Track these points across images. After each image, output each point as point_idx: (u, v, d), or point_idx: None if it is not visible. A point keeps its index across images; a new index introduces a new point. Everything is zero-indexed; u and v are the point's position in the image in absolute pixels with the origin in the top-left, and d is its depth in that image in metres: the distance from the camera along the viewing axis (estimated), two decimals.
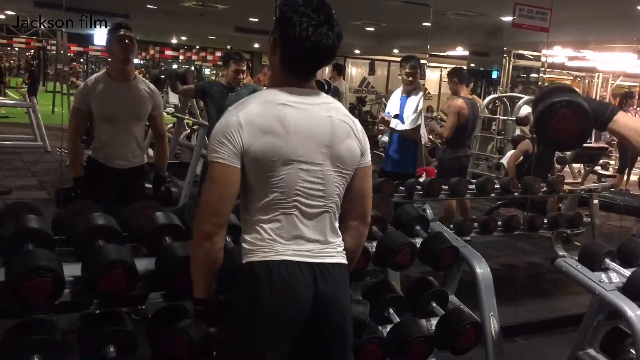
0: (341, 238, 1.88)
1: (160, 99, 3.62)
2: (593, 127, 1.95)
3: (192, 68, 22.65)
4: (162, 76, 6.05)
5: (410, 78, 4.81)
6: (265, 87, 1.98)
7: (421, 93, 4.96)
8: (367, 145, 1.90)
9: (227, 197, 1.74)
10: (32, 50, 23.79)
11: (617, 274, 2.68)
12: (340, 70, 10.78)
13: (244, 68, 4.90)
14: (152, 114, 3.49)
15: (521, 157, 5.94)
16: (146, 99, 3.43)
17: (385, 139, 4.90)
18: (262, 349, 1.73)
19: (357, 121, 1.89)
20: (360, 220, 1.94)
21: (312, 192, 1.77)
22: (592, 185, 5.82)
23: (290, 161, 1.73)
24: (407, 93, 4.88)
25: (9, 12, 14.69)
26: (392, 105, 4.98)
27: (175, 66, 24.20)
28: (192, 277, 1.83)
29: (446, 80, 5.95)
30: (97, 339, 2.01)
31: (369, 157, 1.91)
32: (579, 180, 8.01)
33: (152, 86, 3.52)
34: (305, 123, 1.75)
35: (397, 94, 5.01)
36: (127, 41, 3.30)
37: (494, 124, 11.41)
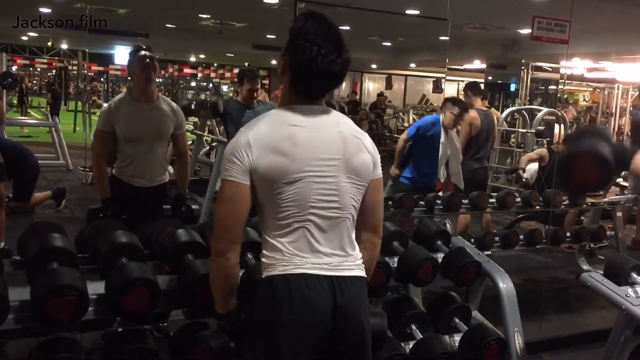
0: (358, 250, 1.89)
1: (183, 118, 3.64)
2: (612, 174, 2.01)
3: (211, 85, 22.88)
4: (192, 107, 6.07)
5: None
6: None
7: None
8: (379, 158, 1.93)
9: (238, 213, 1.76)
10: (54, 71, 24.22)
11: None
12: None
13: (258, 87, 4.94)
14: (174, 133, 3.51)
15: (537, 165, 5.89)
16: (169, 118, 3.46)
17: None
18: None
19: (366, 135, 1.91)
20: (373, 233, 1.95)
21: (327, 205, 1.78)
22: (615, 197, 5.73)
23: (300, 177, 1.74)
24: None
25: (32, 34, 15.01)
26: None
27: (193, 84, 24.49)
28: (212, 293, 1.86)
29: (463, 93, 5.99)
30: (120, 357, 2.02)
31: (380, 170, 1.93)
32: (601, 192, 7.89)
33: (174, 105, 3.56)
34: (314, 140, 1.77)
35: None
36: (149, 62, 3.34)
37: (512, 137, 11.33)
